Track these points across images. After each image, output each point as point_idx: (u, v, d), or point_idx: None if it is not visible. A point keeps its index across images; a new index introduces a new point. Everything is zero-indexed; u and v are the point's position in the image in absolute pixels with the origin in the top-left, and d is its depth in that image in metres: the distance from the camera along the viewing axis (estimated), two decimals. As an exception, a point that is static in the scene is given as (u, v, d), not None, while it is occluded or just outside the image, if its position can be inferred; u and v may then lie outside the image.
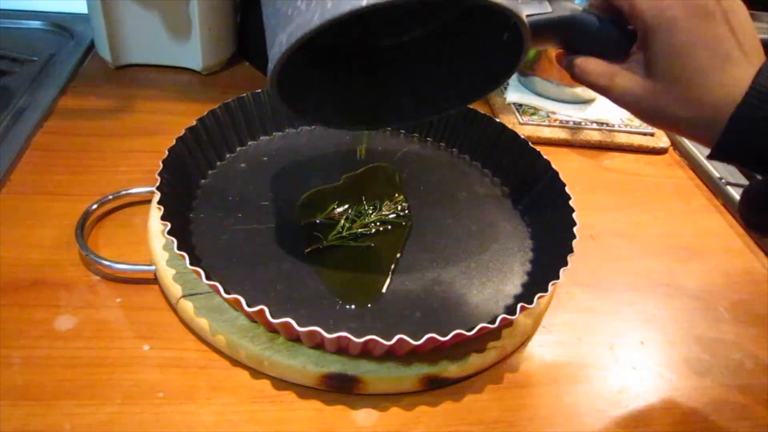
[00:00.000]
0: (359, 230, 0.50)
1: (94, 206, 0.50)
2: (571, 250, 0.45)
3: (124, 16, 0.68)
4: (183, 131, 0.52)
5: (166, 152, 0.49)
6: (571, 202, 0.50)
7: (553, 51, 0.68)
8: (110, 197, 0.51)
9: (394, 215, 0.53)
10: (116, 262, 0.45)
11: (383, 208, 0.53)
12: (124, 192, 0.52)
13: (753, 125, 0.33)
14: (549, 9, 0.37)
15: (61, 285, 0.45)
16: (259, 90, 0.58)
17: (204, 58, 0.72)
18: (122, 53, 0.71)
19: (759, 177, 0.37)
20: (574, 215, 0.48)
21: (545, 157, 0.55)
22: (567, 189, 0.51)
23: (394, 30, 0.45)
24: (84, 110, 0.65)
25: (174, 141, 0.50)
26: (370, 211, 0.52)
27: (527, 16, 0.36)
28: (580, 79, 0.39)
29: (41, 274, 0.46)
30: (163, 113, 0.66)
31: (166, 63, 0.73)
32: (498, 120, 0.60)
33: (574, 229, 0.47)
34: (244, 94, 0.58)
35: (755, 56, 0.34)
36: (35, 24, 0.77)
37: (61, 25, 0.77)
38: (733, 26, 0.34)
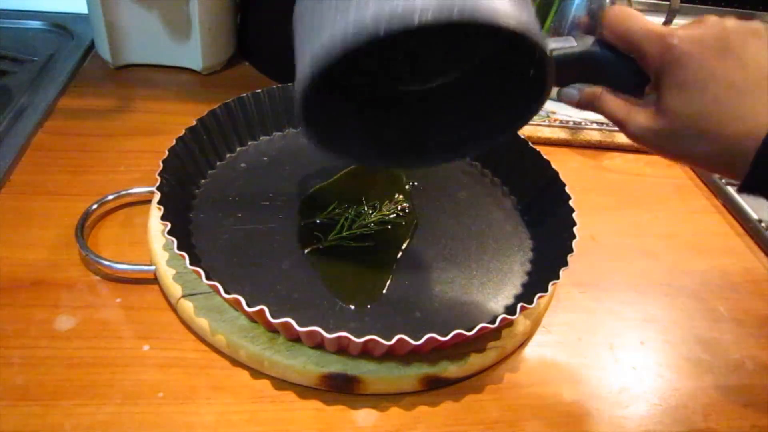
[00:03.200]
0: (359, 230, 0.50)
1: (94, 206, 0.50)
2: (571, 250, 0.45)
3: (124, 16, 0.68)
4: (183, 131, 0.52)
5: (166, 152, 0.49)
6: (571, 202, 0.50)
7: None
8: (110, 197, 0.51)
9: (395, 215, 0.53)
10: (116, 262, 0.46)
11: (383, 208, 0.53)
12: (124, 192, 0.52)
13: None
14: (574, 44, 0.37)
15: (61, 285, 0.45)
16: (259, 90, 0.58)
17: (204, 58, 0.72)
18: (122, 53, 0.71)
19: None
20: (574, 215, 0.48)
21: (545, 157, 0.55)
22: (567, 189, 0.51)
23: (420, 75, 0.45)
24: (84, 110, 0.65)
25: (174, 141, 0.50)
26: (371, 211, 0.52)
27: (553, 49, 0.36)
28: (597, 109, 0.39)
29: (41, 274, 0.46)
30: (163, 113, 0.66)
31: (166, 63, 0.73)
32: (498, 120, 0.60)
33: (574, 229, 0.47)
34: (244, 94, 0.57)
35: None
36: (35, 24, 0.77)
37: (61, 25, 0.77)
38: (747, 58, 0.33)
